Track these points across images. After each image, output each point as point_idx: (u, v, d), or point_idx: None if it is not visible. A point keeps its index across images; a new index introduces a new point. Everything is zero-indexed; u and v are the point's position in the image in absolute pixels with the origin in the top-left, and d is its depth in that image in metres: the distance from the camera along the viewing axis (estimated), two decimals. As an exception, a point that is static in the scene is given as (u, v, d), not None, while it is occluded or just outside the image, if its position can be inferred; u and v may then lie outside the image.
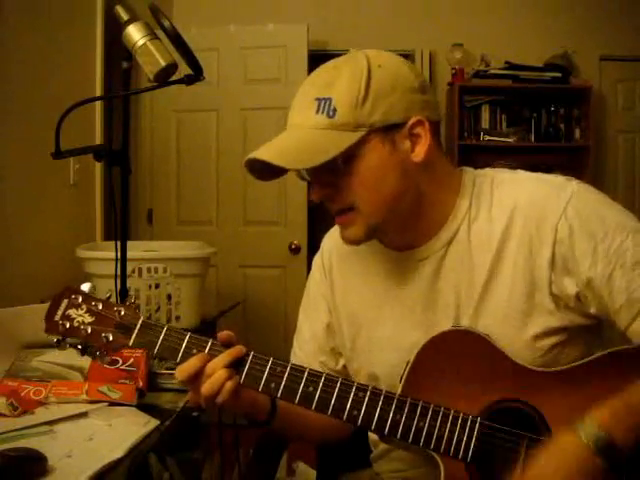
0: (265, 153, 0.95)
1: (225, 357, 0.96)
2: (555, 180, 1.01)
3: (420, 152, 0.97)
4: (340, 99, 0.93)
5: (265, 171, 0.98)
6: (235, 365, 0.96)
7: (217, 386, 0.94)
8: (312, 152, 0.92)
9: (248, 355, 0.97)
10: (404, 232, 1.03)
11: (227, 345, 0.98)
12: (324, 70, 0.98)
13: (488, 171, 1.07)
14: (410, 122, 0.95)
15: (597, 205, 0.98)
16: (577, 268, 0.94)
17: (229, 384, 0.94)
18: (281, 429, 1.14)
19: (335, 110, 0.93)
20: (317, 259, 1.21)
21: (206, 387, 0.94)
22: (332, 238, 1.20)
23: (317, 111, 0.93)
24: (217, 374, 0.94)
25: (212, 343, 0.98)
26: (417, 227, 1.03)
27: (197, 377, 0.95)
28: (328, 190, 0.97)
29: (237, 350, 0.97)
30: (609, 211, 0.97)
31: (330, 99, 0.93)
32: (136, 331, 1.00)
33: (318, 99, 0.94)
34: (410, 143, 0.96)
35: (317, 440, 1.26)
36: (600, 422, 0.85)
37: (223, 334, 0.99)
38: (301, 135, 0.95)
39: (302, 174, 1.00)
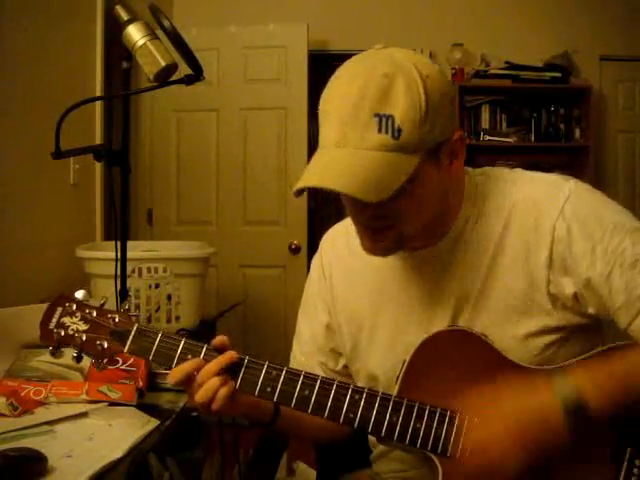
0: (335, 181, 0.86)
1: (215, 365, 0.95)
2: (553, 179, 1.01)
3: (458, 167, 0.97)
4: (403, 117, 0.86)
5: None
6: (230, 371, 0.96)
7: (211, 393, 0.94)
8: (384, 180, 0.86)
9: (243, 360, 0.97)
10: (422, 238, 1.02)
11: (221, 351, 0.98)
12: (372, 77, 0.88)
13: (487, 170, 1.08)
14: (454, 138, 0.94)
15: (595, 204, 0.98)
16: (575, 268, 0.94)
17: (223, 391, 0.94)
18: (285, 430, 1.14)
19: (400, 130, 0.86)
20: (316, 260, 1.21)
21: (200, 395, 0.94)
22: (331, 238, 1.20)
23: (379, 130, 0.86)
24: (210, 382, 0.94)
25: (207, 348, 0.98)
26: (432, 231, 1.02)
27: (190, 381, 0.96)
28: (380, 211, 0.92)
29: (228, 357, 0.96)
30: (607, 210, 0.97)
31: (392, 117, 0.86)
32: (131, 338, 1.00)
33: (378, 115, 0.86)
34: (449, 159, 0.95)
35: (321, 441, 1.26)
36: (578, 385, 0.87)
37: (217, 340, 0.99)
38: (366, 158, 0.87)
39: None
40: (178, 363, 0.97)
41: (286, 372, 0.96)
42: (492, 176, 1.05)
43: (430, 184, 0.94)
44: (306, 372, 0.97)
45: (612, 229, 0.93)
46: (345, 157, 0.88)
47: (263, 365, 0.97)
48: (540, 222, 0.96)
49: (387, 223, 0.95)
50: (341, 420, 0.95)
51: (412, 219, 0.95)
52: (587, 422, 0.85)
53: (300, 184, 0.88)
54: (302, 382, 0.96)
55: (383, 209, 0.91)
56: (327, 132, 0.91)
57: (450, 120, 0.93)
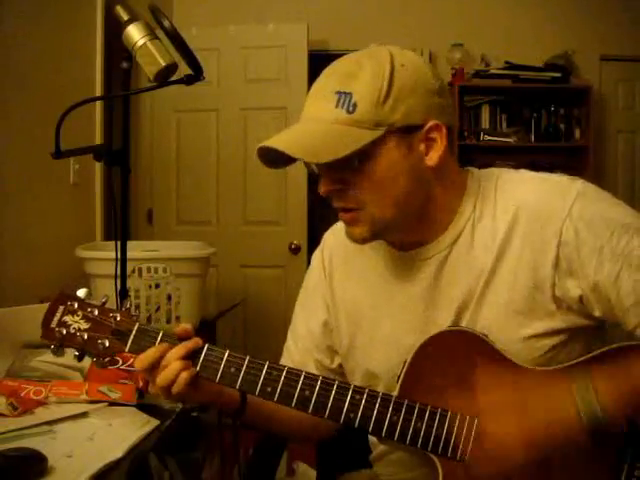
0: (282, 143, 0.92)
1: (180, 349, 0.97)
2: (560, 180, 1.01)
3: (434, 157, 0.97)
4: (361, 95, 0.91)
5: (277, 160, 0.96)
6: (192, 357, 0.97)
7: (172, 376, 0.95)
8: (329, 147, 0.91)
9: (203, 347, 0.99)
10: (410, 232, 1.03)
11: (185, 339, 0.99)
12: (345, 63, 0.96)
13: (493, 171, 1.07)
14: (428, 125, 0.95)
15: (602, 205, 0.97)
16: (582, 270, 0.94)
17: (184, 375, 0.95)
18: (255, 422, 1.13)
19: (355, 106, 0.91)
20: (317, 255, 1.20)
21: (161, 377, 0.96)
22: (334, 235, 1.19)
23: (337, 105, 0.92)
24: (172, 365, 0.95)
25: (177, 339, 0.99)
26: (423, 228, 1.02)
27: (155, 367, 0.97)
28: (337, 186, 0.96)
29: (193, 342, 0.98)
30: (614, 211, 0.96)
31: (351, 94, 0.91)
32: (132, 337, 1.00)
33: (338, 92, 0.92)
34: (425, 146, 0.96)
35: (295, 436, 1.25)
36: (604, 404, 0.86)
37: (179, 328, 1.00)
38: (319, 128, 0.93)
39: (312, 167, 0.99)
40: None
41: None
42: (497, 176, 1.05)
43: (395, 166, 0.95)
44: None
45: (620, 230, 0.93)
46: (302, 128, 0.96)
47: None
48: (547, 223, 0.96)
49: (351, 202, 0.96)
50: (342, 419, 0.94)
51: (377, 201, 0.96)
52: (607, 433, 0.86)
53: (257, 148, 0.94)
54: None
55: (342, 183, 0.95)
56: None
57: (423, 109, 0.94)
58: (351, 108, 0.91)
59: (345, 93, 0.92)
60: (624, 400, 0.87)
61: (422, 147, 0.96)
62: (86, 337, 1.01)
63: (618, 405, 0.87)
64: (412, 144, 0.95)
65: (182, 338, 0.99)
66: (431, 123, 0.95)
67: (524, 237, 0.97)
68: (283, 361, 1.19)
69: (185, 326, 1.00)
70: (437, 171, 0.98)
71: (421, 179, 0.97)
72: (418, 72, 0.95)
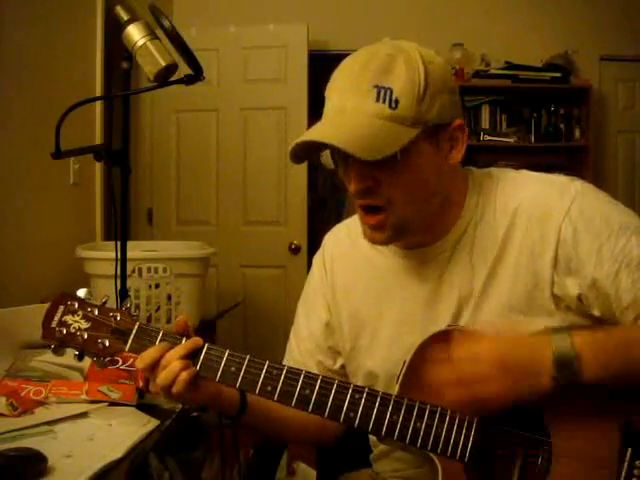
0: (336, 139, 0.90)
1: (180, 349, 0.97)
2: (559, 180, 1.01)
3: (456, 156, 0.98)
4: (402, 91, 0.91)
5: (302, 154, 0.96)
6: (192, 356, 0.97)
7: (172, 376, 0.95)
8: (379, 143, 0.89)
9: (203, 346, 0.98)
10: (421, 233, 1.03)
11: (184, 334, 0.99)
12: (375, 56, 0.94)
13: (492, 171, 1.08)
14: (455, 124, 0.96)
15: (601, 205, 0.98)
16: (581, 269, 0.94)
17: (184, 374, 0.95)
18: (254, 424, 1.13)
19: (397, 102, 0.91)
20: (318, 257, 1.21)
21: (161, 377, 0.95)
22: (334, 237, 1.20)
23: (377, 99, 0.91)
24: (172, 365, 0.95)
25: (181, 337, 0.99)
26: (431, 228, 1.03)
27: (155, 367, 0.97)
28: (370, 183, 0.95)
29: (192, 342, 0.98)
30: (613, 211, 0.97)
31: (391, 89, 0.91)
32: (132, 336, 1.00)
33: (377, 86, 0.91)
34: (448, 145, 0.97)
35: (296, 438, 1.25)
36: (575, 340, 0.88)
37: (177, 321, 1.00)
38: (363, 123, 0.91)
39: (328, 161, 1.00)
40: None
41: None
42: (497, 177, 1.06)
43: (426, 164, 0.96)
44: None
45: (618, 229, 0.94)
46: (342, 121, 0.93)
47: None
48: (546, 223, 0.96)
49: (381, 200, 0.96)
50: (341, 418, 0.94)
51: (407, 200, 0.96)
52: (575, 378, 0.87)
53: (296, 141, 0.92)
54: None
55: (373, 180, 0.94)
56: (328, 106, 0.96)
57: (450, 107, 0.96)
58: (393, 104, 0.91)
59: (384, 88, 0.91)
60: (602, 355, 0.88)
61: (447, 146, 0.97)
62: (86, 337, 1.01)
63: (595, 358, 0.88)
64: (439, 142, 0.96)
65: (181, 332, 0.99)
66: (458, 122, 0.97)
67: (523, 237, 0.98)
68: (285, 362, 1.19)
69: (182, 318, 1.00)
70: (454, 170, 1.00)
71: (443, 177, 0.99)
72: (443, 70, 0.97)
